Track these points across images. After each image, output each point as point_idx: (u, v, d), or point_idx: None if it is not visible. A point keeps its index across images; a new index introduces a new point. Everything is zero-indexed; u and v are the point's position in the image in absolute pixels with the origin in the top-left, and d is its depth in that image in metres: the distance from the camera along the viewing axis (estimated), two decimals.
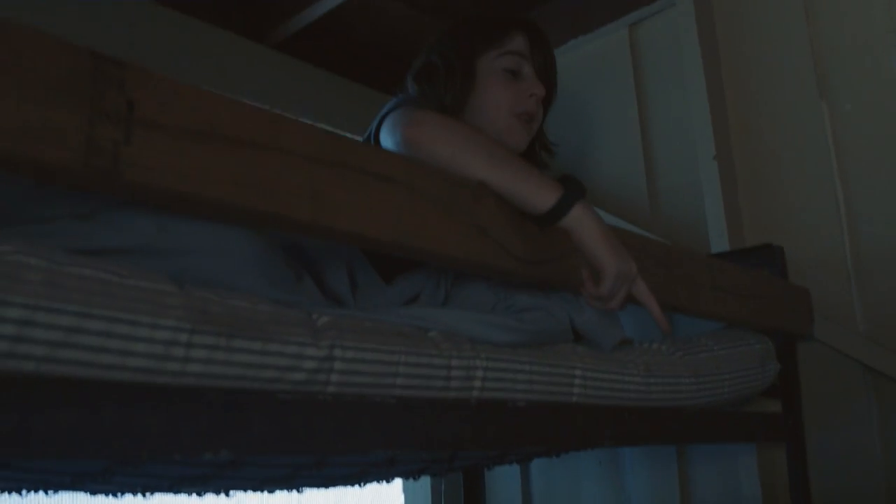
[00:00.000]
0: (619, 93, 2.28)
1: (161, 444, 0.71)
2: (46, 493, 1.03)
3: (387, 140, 1.22)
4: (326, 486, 1.23)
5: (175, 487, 1.05)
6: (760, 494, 1.87)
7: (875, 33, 1.89)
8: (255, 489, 1.17)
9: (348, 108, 2.38)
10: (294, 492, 1.22)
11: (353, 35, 2.50)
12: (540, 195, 1.09)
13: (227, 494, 1.11)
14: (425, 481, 2.32)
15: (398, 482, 2.38)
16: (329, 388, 0.89)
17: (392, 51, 2.58)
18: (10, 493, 1.01)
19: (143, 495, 1.07)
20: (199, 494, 1.10)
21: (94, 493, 1.09)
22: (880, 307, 1.84)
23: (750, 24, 2.11)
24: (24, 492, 1.01)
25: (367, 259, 1.22)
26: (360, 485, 1.26)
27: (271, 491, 1.22)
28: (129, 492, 1.05)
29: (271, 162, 0.81)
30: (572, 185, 1.11)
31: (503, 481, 2.36)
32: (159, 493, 1.07)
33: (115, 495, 1.09)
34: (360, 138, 2.36)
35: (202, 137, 0.76)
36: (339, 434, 0.85)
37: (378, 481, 1.33)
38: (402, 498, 2.39)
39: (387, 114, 1.28)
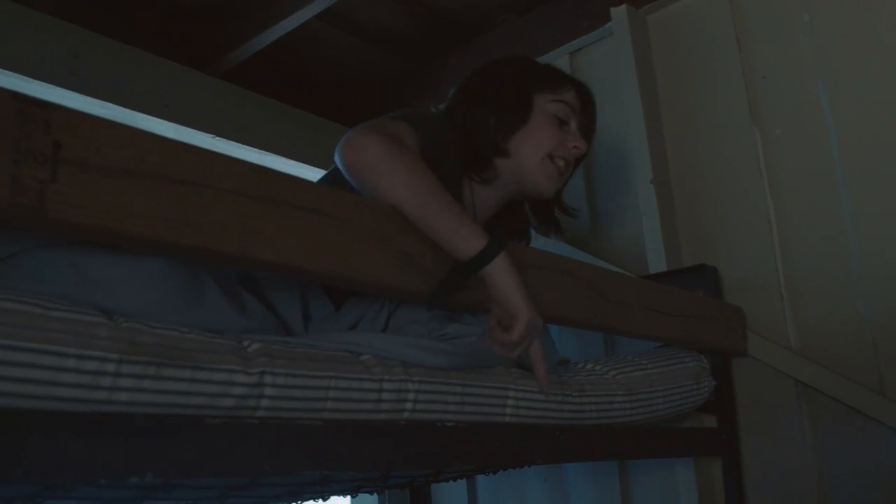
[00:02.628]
0: None
1: (86, 469, 0.74)
2: None
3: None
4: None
5: None
6: None
7: (803, 60, 1.97)
8: None
9: (296, 135, 2.41)
10: None
11: (300, 64, 2.54)
12: (467, 242, 1.11)
13: None
14: (373, 500, 2.35)
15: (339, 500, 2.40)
16: (259, 412, 0.92)
17: (339, 79, 2.62)
18: None
19: None
20: None
21: None
22: (811, 324, 1.91)
23: (685, 53, 2.18)
24: None
25: (321, 286, 1.25)
26: (294, 503, 1.29)
27: None
28: None
29: (199, 197, 0.85)
30: (497, 236, 1.14)
31: (450, 496, 2.39)
32: None
33: None
34: (304, 167, 2.42)
35: (130, 174, 0.79)
36: (265, 456, 0.88)
37: (313, 500, 1.36)
38: None
39: None
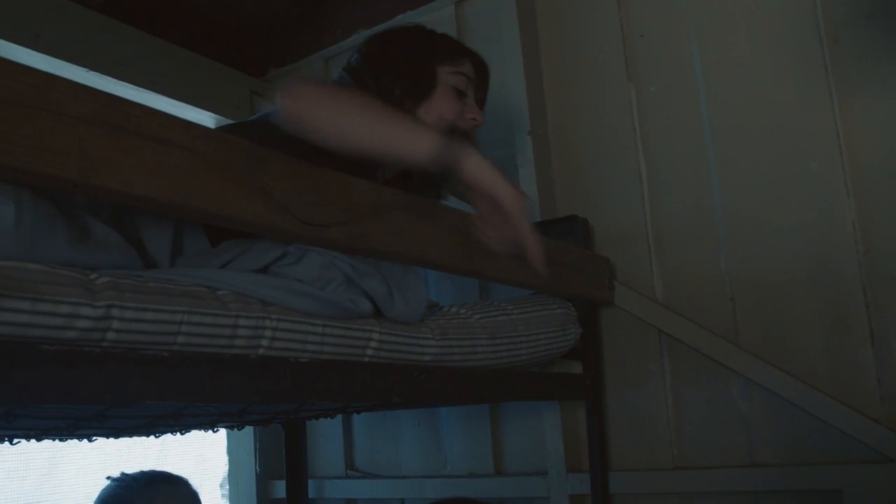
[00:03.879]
0: None
1: None
2: None
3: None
4: (113, 436, 1.25)
5: None
6: (563, 448, 2.00)
7: (679, 20, 2.03)
8: (38, 438, 1.18)
9: (178, 74, 2.36)
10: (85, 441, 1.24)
11: (184, 2, 2.47)
12: (431, 136, 1.14)
13: (10, 442, 1.12)
14: (248, 435, 2.36)
15: (222, 433, 2.41)
16: (104, 344, 0.91)
17: (224, 18, 2.57)
18: None
19: None
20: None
21: None
22: (675, 277, 1.99)
23: (567, 7, 2.22)
24: None
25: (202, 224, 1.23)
26: (150, 435, 1.29)
27: (60, 439, 1.23)
28: None
29: (39, 121, 0.83)
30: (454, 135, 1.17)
31: (325, 439, 2.42)
32: None
33: None
34: (187, 108, 2.36)
35: None
36: (107, 386, 0.88)
37: (170, 433, 1.37)
38: (225, 450, 2.43)
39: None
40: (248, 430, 2.37)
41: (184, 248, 1.23)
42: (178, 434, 1.50)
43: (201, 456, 2.42)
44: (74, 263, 0.96)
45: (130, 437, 1.42)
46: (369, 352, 1.26)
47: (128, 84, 2.20)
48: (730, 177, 1.94)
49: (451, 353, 1.42)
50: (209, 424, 1.39)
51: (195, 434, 2.34)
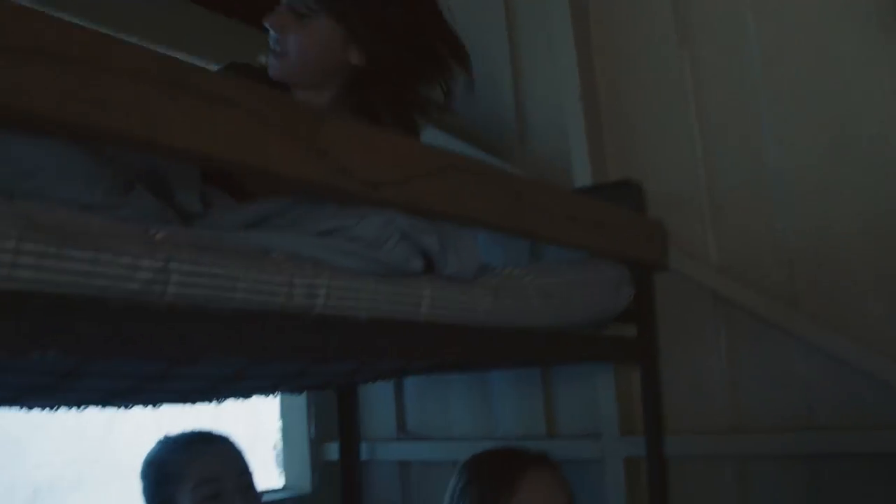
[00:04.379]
0: (491, 35, 2.34)
1: None
2: None
3: None
4: (177, 401, 1.27)
5: (22, 399, 1.08)
6: (617, 411, 2.00)
7: None
8: (102, 403, 1.21)
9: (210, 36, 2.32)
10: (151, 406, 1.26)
11: None
12: None
13: (77, 407, 1.14)
14: (301, 398, 2.39)
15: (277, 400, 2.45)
16: (165, 299, 0.93)
17: None
18: None
19: None
20: (50, 408, 1.14)
21: None
22: (731, 240, 1.97)
23: None
24: None
25: (222, 183, 1.25)
26: (213, 400, 1.31)
27: (124, 405, 1.25)
28: None
29: (103, 79, 0.84)
30: None
31: (377, 403, 2.45)
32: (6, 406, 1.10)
33: None
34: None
35: (27, 55, 0.78)
36: (173, 341, 0.89)
37: (233, 397, 1.38)
38: (278, 415, 2.46)
39: None
40: (302, 393, 2.40)
41: (210, 199, 1.23)
42: (240, 399, 1.51)
43: (254, 420, 2.46)
44: (109, 212, 0.97)
45: (193, 403, 1.43)
46: (423, 310, 1.26)
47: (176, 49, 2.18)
48: (786, 138, 1.90)
49: (505, 312, 1.42)
50: (269, 388, 1.41)
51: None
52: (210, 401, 1.32)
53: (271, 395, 1.51)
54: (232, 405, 2.26)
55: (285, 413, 2.46)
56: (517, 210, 1.43)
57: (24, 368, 0.92)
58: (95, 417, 2.09)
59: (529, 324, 1.49)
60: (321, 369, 1.30)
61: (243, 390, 1.37)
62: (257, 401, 2.40)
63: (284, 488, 2.44)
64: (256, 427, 2.47)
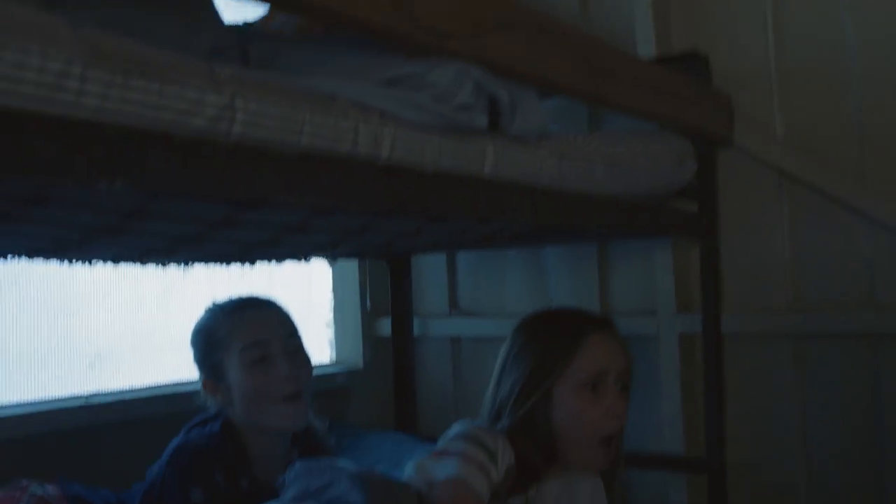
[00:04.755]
0: None
1: (54, 169, 0.73)
2: None
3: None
4: (238, 258, 1.25)
5: (85, 246, 1.07)
6: (674, 290, 1.97)
7: None
8: (163, 255, 1.19)
9: None
10: (215, 265, 1.25)
11: None
12: None
13: (142, 262, 1.14)
14: (353, 272, 2.39)
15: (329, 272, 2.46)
16: (231, 137, 0.90)
17: None
18: None
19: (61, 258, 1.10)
20: (114, 261, 1.13)
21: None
22: (799, 116, 1.90)
23: None
24: None
25: None
26: (275, 258, 1.30)
27: (185, 261, 1.24)
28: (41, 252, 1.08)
29: None
30: None
31: (430, 279, 2.45)
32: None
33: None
34: None
35: None
36: (237, 181, 0.87)
37: (293, 257, 1.36)
38: (330, 282, 2.47)
39: None
40: (354, 268, 2.39)
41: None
42: (300, 260, 1.49)
43: (307, 293, 2.47)
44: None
45: (254, 261, 1.42)
46: (486, 169, 1.23)
47: None
48: (860, 10, 1.81)
49: (569, 177, 1.38)
50: (329, 247, 1.38)
51: (302, 272, 2.40)
52: (271, 259, 1.30)
53: (330, 259, 1.49)
54: (285, 278, 2.29)
55: (337, 288, 2.47)
56: (585, 72, 1.38)
57: (89, 204, 0.91)
58: (150, 289, 2.13)
59: (592, 191, 1.45)
60: (382, 226, 1.27)
61: (304, 246, 1.35)
62: (310, 275, 2.43)
63: (336, 363, 2.47)
64: (309, 303, 2.48)
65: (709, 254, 1.88)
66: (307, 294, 2.47)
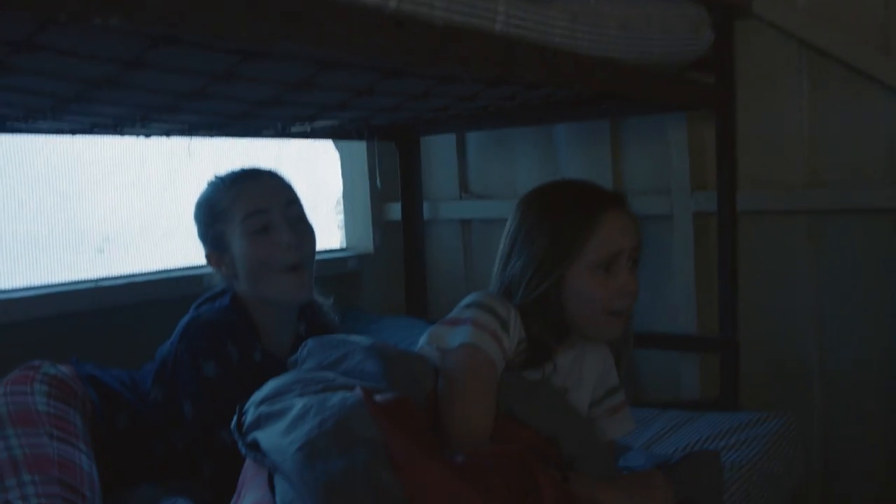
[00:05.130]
0: None
1: (48, 3, 0.70)
2: None
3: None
4: (246, 132, 1.19)
5: (85, 103, 1.04)
6: (689, 168, 1.94)
7: None
8: (119, 131, 1.13)
9: None
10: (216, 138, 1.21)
11: None
12: None
13: (141, 124, 1.10)
14: (362, 155, 2.36)
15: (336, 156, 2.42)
16: None
17: None
18: None
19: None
20: (115, 130, 1.09)
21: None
22: None
23: None
24: None
25: None
26: (222, 136, 1.23)
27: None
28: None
29: None
30: None
31: (439, 162, 2.42)
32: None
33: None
34: None
35: None
36: (242, 22, 0.83)
37: (242, 136, 1.28)
38: (338, 163, 2.44)
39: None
40: (362, 152, 2.36)
41: None
42: (306, 125, 1.45)
43: (315, 181, 2.44)
44: None
45: (259, 131, 1.38)
46: (498, 26, 1.18)
47: None
48: None
49: (581, 38, 1.33)
50: (338, 107, 1.33)
51: (310, 155, 2.37)
52: (220, 136, 1.25)
53: (336, 129, 1.45)
54: (293, 164, 2.26)
55: (346, 170, 2.43)
56: None
57: (88, 53, 0.87)
58: (157, 170, 2.11)
59: (606, 54, 1.41)
60: (391, 86, 1.23)
61: (309, 109, 1.30)
62: (319, 160, 2.40)
63: (346, 248, 2.45)
64: (317, 188, 2.45)
65: (725, 128, 1.83)
66: (316, 179, 2.45)
